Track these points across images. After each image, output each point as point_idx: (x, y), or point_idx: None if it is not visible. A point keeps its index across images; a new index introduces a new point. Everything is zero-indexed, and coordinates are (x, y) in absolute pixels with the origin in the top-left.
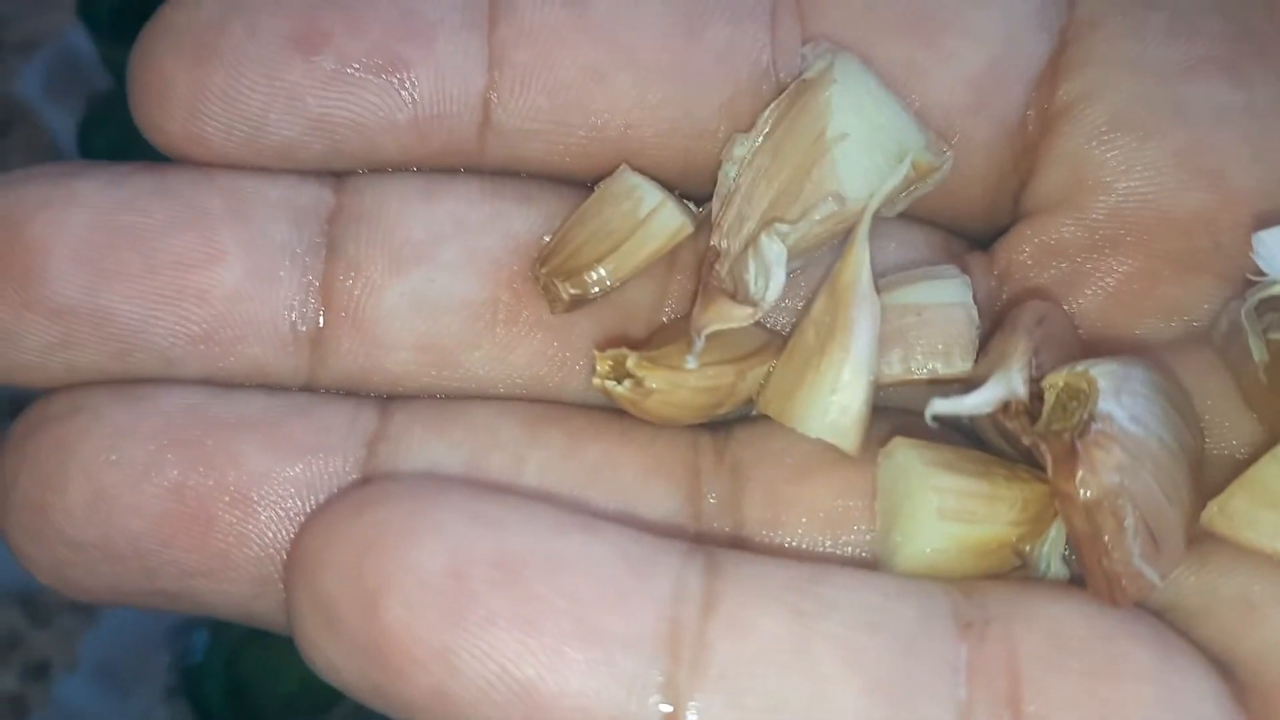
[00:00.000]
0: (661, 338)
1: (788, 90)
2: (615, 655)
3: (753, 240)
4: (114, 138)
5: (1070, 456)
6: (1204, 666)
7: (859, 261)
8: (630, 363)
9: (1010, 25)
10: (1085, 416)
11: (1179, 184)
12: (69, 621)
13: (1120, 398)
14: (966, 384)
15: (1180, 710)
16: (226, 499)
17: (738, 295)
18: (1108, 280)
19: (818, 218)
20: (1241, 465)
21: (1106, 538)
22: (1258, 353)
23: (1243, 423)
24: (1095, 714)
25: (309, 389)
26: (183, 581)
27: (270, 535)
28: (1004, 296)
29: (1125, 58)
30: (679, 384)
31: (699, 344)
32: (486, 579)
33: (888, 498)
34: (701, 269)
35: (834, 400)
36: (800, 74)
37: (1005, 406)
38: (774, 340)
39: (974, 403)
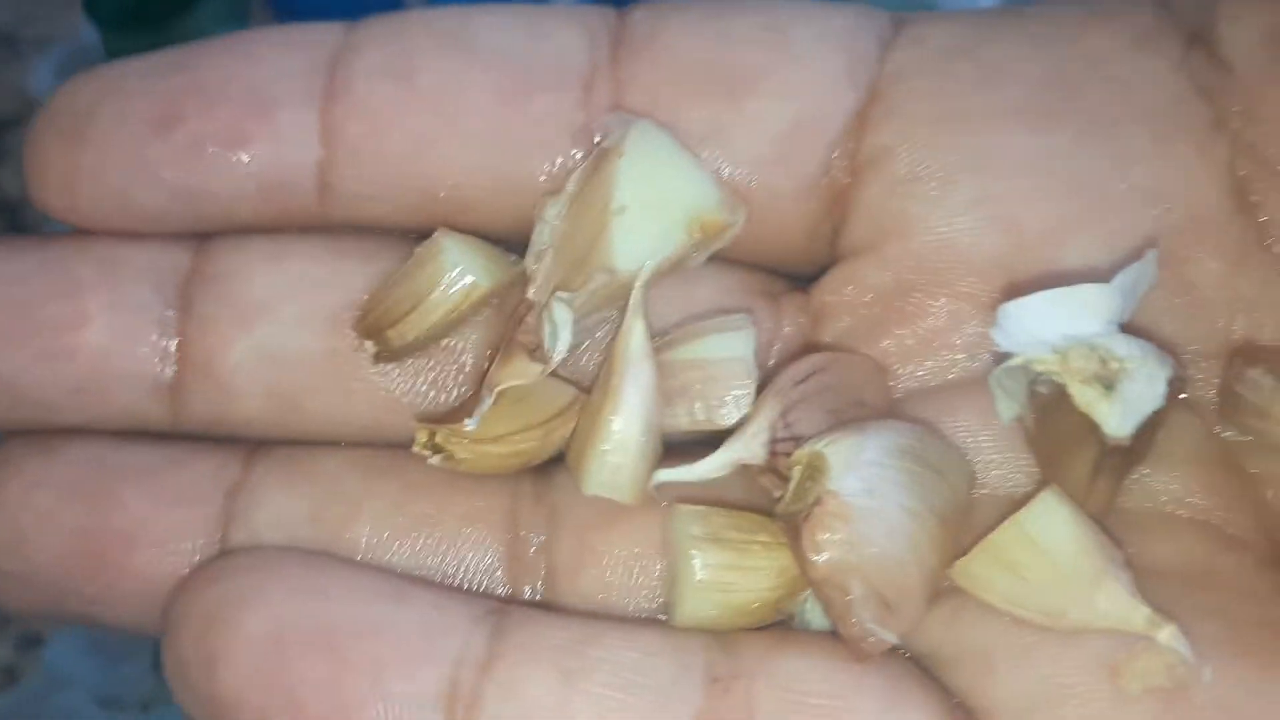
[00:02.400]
0: (479, 396)
1: (590, 158)
2: (403, 714)
3: (546, 304)
4: None
5: (799, 537)
6: (932, 716)
7: (629, 333)
8: (440, 438)
9: (817, 83)
10: (816, 498)
11: (975, 230)
12: None
13: (857, 470)
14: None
15: None
16: (114, 539)
17: (537, 352)
18: (912, 321)
19: (592, 289)
20: (1018, 505)
21: (837, 608)
22: (1004, 414)
23: (1024, 464)
24: None
25: (178, 431)
26: (84, 606)
27: (149, 569)
28: (816, 338)
29: (929, 110)
30: (486, 454)
31: (486, 403)
32: (301, 645)
33: (669, 557)
34: (511, 320)
35: (608, 459)
36: (601, 142)
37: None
38: (579, 398)
39: (702, 471)
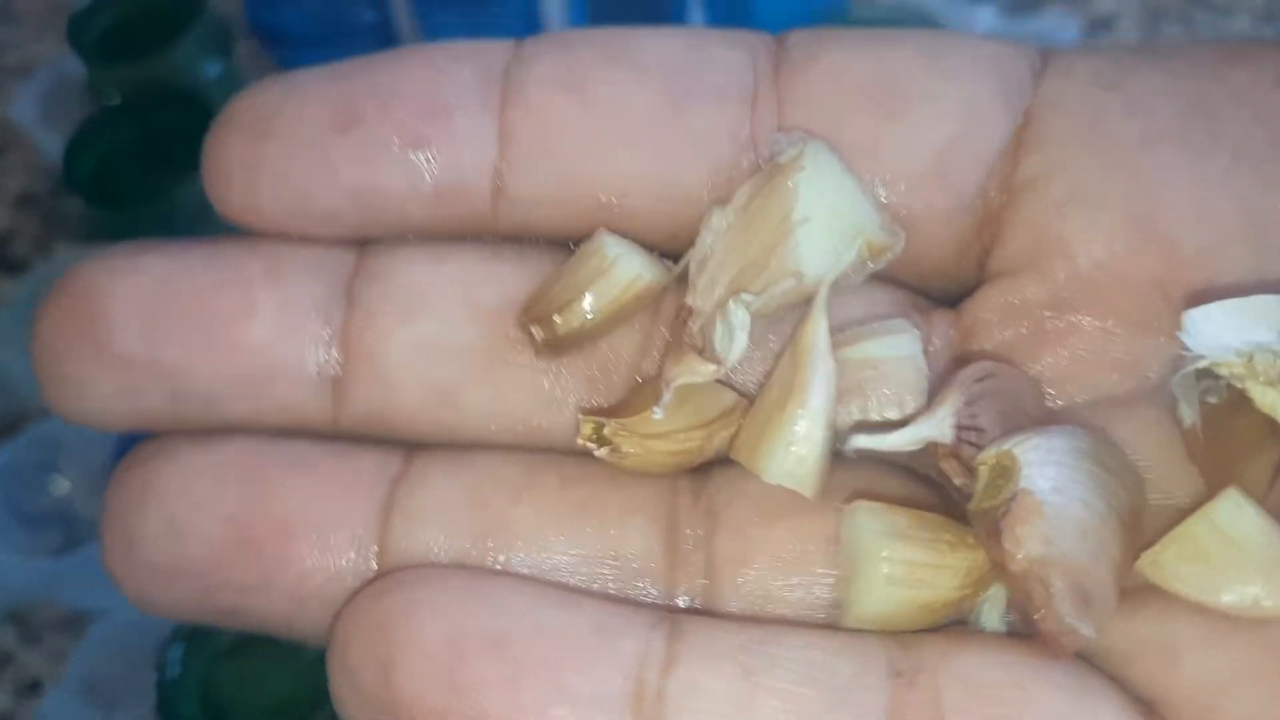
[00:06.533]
0: (640, 395)
1: (761, 172)
2: (588, 713)
3: (721, 305)
4: (98, 160)
5: (998, 533)
6: (1116, 710)
7: (815, 330)
8: (607, 431)
9: (973, 104)
10: (1011, 495)
11: (1132, 250)
12: (59, 639)
13: (1045, 469)
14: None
15: None
16: (271, 527)
17: (705, 353)
18: (1068, 338)
19: (779, 292)
20: (1183, 515)
21: (1038, 602)
22: (1186, 418)
23: (1186, 475)
24: None
25: (336, 427)
26: (236, 598)
27: (308, 559)
28: (968, 351)
29: (1084, 136)
30: (652, 449)
31: (667, 396)
32: (479, 650)
33: (847, 553)
34: (674, 324)
35: (792, 451)
36: (773, 157)
37: (934, 449)
38: (740, 403)
39: (895, 440)
